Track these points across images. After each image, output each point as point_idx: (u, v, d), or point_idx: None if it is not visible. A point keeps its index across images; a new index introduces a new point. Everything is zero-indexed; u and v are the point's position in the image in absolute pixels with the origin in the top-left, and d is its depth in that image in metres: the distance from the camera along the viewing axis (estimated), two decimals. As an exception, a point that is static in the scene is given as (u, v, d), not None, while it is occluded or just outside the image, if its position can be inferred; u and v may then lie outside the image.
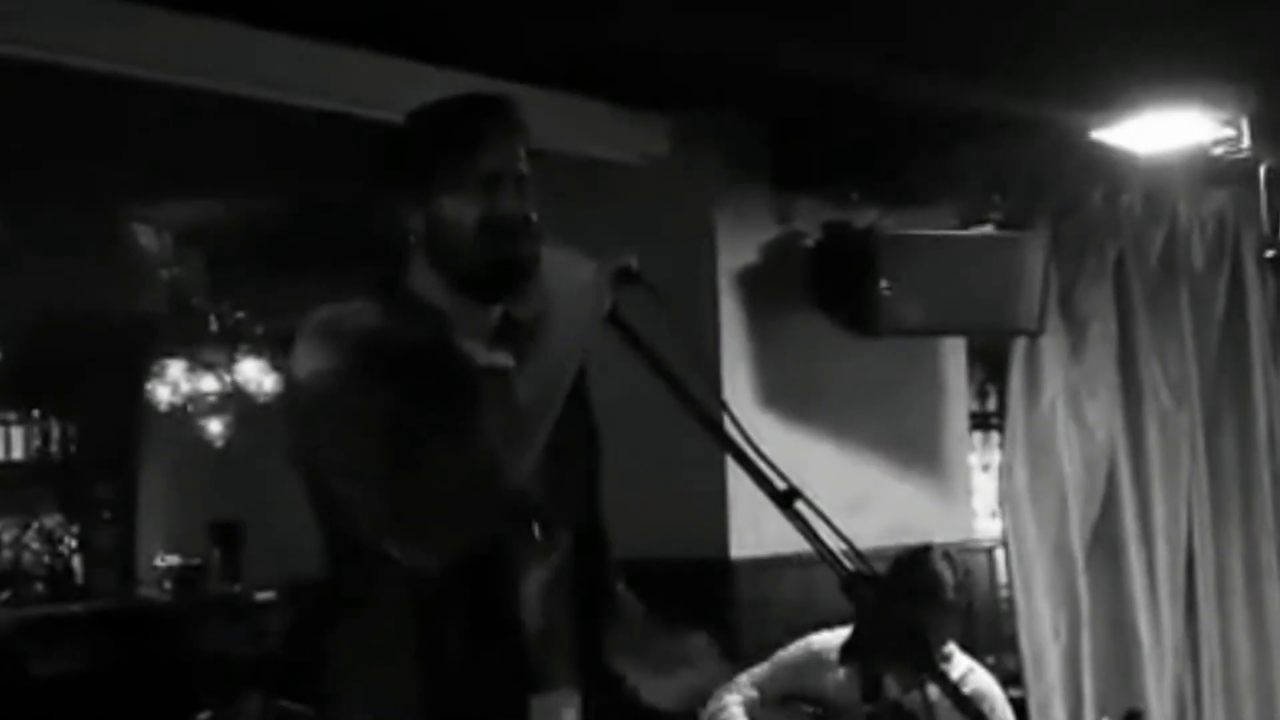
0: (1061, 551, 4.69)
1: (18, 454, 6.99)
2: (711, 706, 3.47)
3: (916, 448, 4.69)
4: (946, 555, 3.44)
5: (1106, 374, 4.77)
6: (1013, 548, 4.71)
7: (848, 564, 1.63)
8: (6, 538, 6.86)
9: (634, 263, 1.83)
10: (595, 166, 4.23)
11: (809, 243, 4.33)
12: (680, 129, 4.22)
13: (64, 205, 5.28)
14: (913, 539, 3.77)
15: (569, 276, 1.79)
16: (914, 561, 3.42)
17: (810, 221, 4.34)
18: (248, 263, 5.81)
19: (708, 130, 4.21)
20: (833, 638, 3.50)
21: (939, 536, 4.39)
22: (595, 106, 4.07)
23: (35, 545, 6.90)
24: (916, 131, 4.11)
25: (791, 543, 4.26)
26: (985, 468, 5.67)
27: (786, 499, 1.66)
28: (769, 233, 4.33)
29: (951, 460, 4.83)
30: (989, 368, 5.45)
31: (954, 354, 4.91)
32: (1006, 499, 4.74)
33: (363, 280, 1.97)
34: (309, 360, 1.81)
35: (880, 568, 3.40)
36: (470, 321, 1.90)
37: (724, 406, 1.74)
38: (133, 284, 5.86)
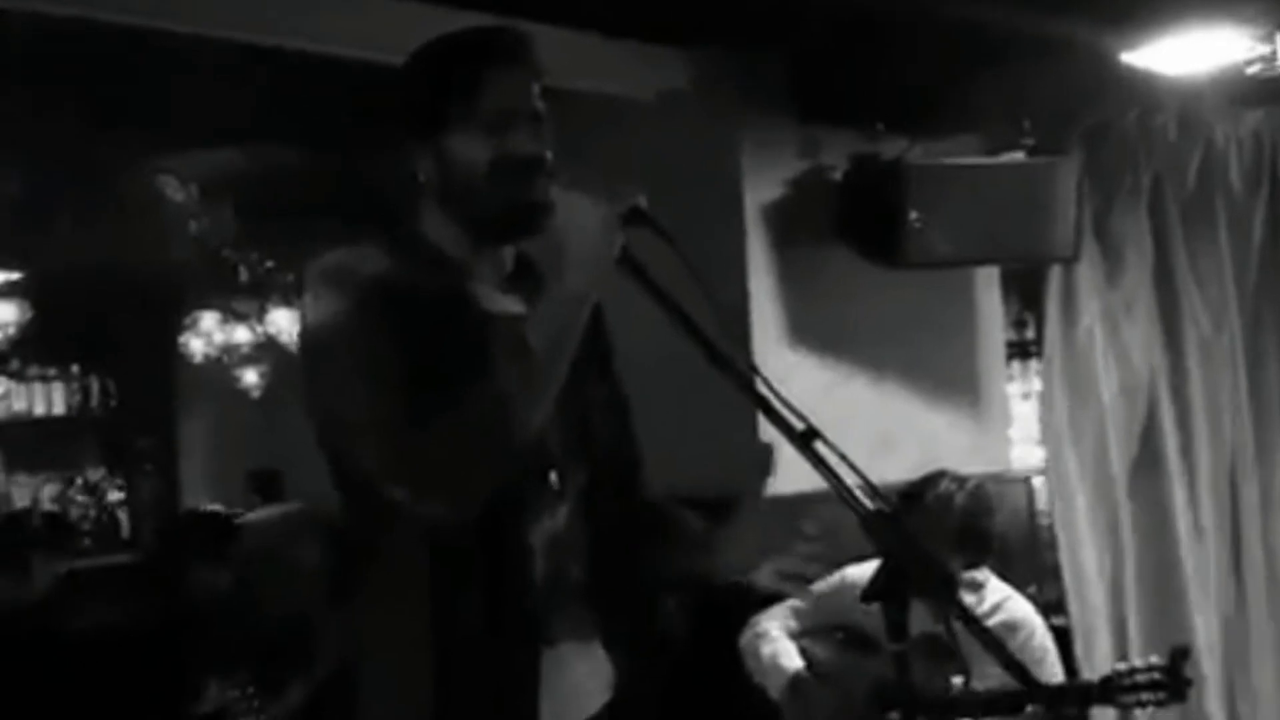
0: (1102, 481, 4.64)
1: (59, 409, 7.05)
2: (750, 633, 3.47)
3: (950, 380, 4.64)
4: (958, 480, 3.39)
5: (1144, 299, 4.69)
6: (1052, 477, 4.68)
7: (867, 503, 1.59)
8: (52, 491, 6.95)
9: (644, 202, 1.79)
10: (614, 104, 4.18)
11: (835, 176, 4.26)
12: (700, 63, 4.16)
13: (92, 160, 5.29)
14: (944, 473, 3.73)
15: (578, 218, 1.76)
16: (923, 489, 3.39)
17: (836, 154, 4.27)
18: (276, 212, 5.80)
19: (728, 64, 4.14)
20: (867, 569, 3.47)
21: (974, 468, 4.36)
22: (612, 43, 4.00)
23: (80, 498, 6.99)
24: (942, 58, 4.02)
25: (820, 480, 4.26)
26: (1026, 396, 5.60)
27: (805, 439, 1.62)
28: (794, 168, 4.26)
29: (987, 391, 4.77)
30: (1026, 295, 5.37)
31: (988, 283, 4.84)
32: (1045, 428, 4.71)
33: (387, 225, 1.96)
34: (315, 307, 1.79)
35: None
36: (482, 265, 1.88)
37: (740, 345, 1.71)
38: (162, 237, 5.87)
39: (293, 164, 5.40)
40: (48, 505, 6.07)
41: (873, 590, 1.58)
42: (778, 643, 3.43)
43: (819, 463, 1.59)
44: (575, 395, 1.89)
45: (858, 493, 1.60)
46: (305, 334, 1.85)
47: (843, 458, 1.61)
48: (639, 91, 4.18)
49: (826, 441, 1.61)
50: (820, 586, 3.52)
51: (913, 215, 4.02)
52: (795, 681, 3.34)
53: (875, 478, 3.80)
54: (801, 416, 1.63)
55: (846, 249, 4.20)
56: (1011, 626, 3.39)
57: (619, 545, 1.93)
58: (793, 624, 3.50)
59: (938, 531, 3.32)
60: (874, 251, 4.19)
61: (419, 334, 1.73)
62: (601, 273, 1.76)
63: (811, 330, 4.26)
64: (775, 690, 3.36)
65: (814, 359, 4.26)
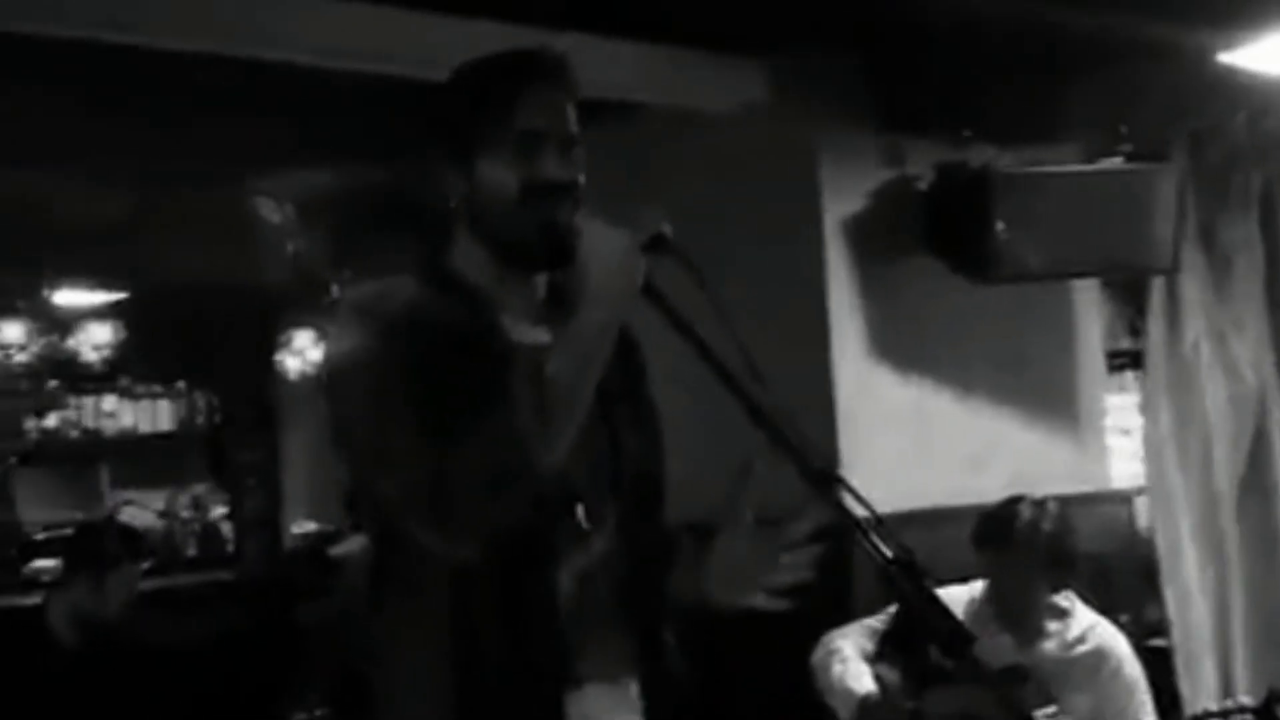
0: (1207, 499, 4.45)
1: (165, 425, 7.20)
2: (822, 650, 3.39)
3: (1044, 396, 4.48)
4: (1038, 504, 3.26)
5: (1254, 310, 4.49)
6: (1155, 495, 4.50)
7: (886, 549, 1.50)
8: (159, 506, 7.09)
9: (668, 229, 1.72)
10: (692, 118, 4.12)
11: (920, 186, 4.13)
12: (778, 74, 4.06)
13: (193, 180, 5.39)
14: (1040, 491, 3.59)
15: (600, 246, 1.69)
16: (1000, 516, 3.26)
17: (921, 163, 4.14)
18: (368, 232, 5.85)
19: (808, 74, 4.04)
20: (949, 593, 3.38)
21: (1070, 487, 4.21)
22: (689, 55, 3.94)
23: (186, 513, 7.12)
24: (1034, 61, 3.88)
25: (908, 499, 4.16)
26: (1127, 411, 5.40)
27: (823, 479, 1.54)
28: (876, 178, 4.14)
29: (1085, 406, 4.60)
30: (1130, 305, 5.18)
31: (1086, 294, 4.66)
32: (1148, 444, 4.53)
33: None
34: (340, 340, 1.77)
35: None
36: (512, 295, 1.83)
37: (759, 379, 1.63)
38: (260, 257, 5.95)
39: (385, 184, 5.44)
40: (129, 518, 6.14)
41: (888, 641, 1.52)
42: (849, 663, 3.33)
43: (836, 504, 1.49)
44: (605, 427, 1.83)
45: (876, 538, 1.49)
46: (329, 367, 1.81)
47: (860, 499, 1.51)
48: (717, 103, 4.10)
49: (844, 482, 1.51)
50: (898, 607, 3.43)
51: (999, 225, 3.88)
52: (864, 705, 3.24)
53: (965, 498, 3.70)
54: (819, 454, 1.53)
55: (932, 262, 4.08)
56: (1099, 655, 3.26)
57: (652, 581, 1.85)
58: (867, 645, 3.40)
59: (1021, 560, 3.20)
60: (961, 264, 4.06)
61: (442, 367, 1.69)
62: (624, 303, 1.70)
63: (895, 346, 4.14)
64: (844, 712, 3.26)
65: (897, 376, 4.14)
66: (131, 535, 3.96)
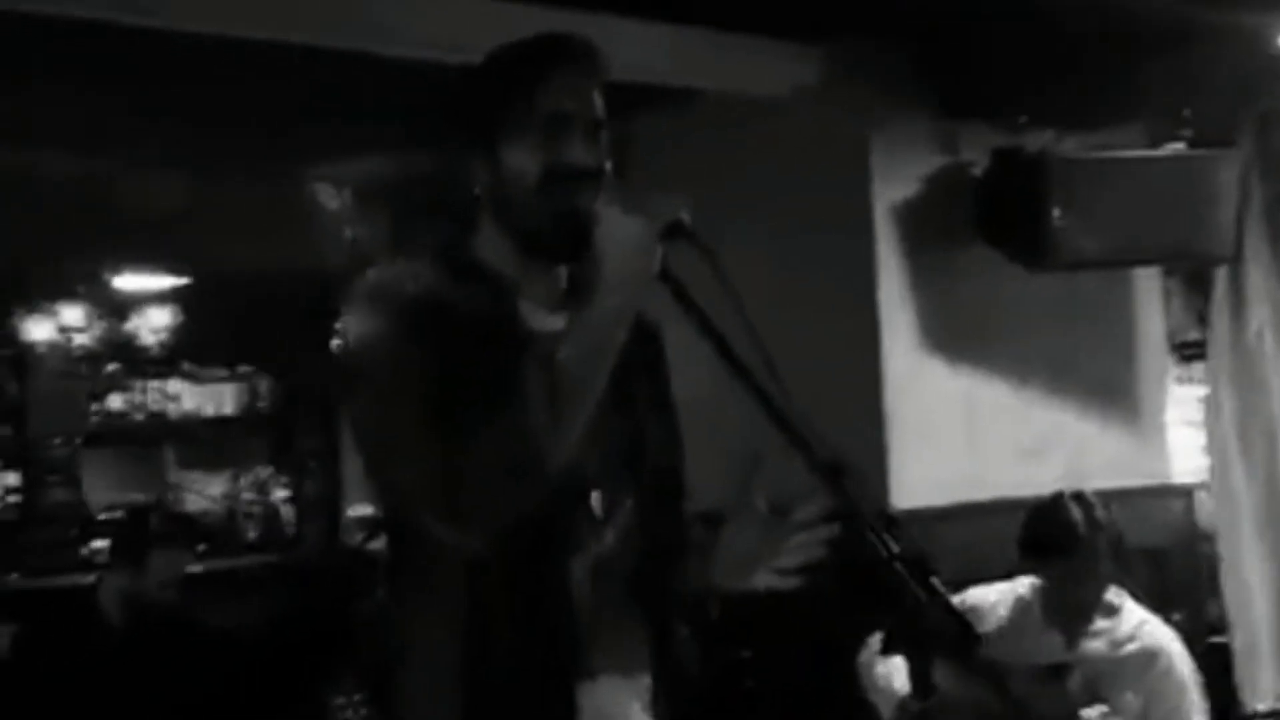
0: (1272, 493, 4.33)
1: (229, 409, 7.28)
2: (867, 650, 3.34)
3: (1102, 386, 4.39)
4: (1080, 499, 3.18)
5: (1321, 299, 4.36)
6: (1217, 489, 4.39)
7: (892, 544, 1.46)
8: (222, 489, 7.19)
9: (686, 215, 1.68)
10: (742, 102, 4.08)
11: (975, 172, 4.06)
12: (831, 58, 4.01)
13: (254, 167, 5.43)
14: (1096, 484, 3.51)
15: (616, 233, 1.66)
16: (1044, 513, 3.19)
17: (976, 149, 4.06)
18: (426, 218, 5.85)
19: (860, 58, 3.98)
20: (990, 591, 3.33)
21: (1127, 480, 4.13)
22: (739, 40, 3.90)
23: (249, 495, 7.20)
24: (1093, 44, 3.80)
25: (960, 492, 4.08)
26: (1189, 403, 5.27)
27: (833, 472, 1.50)
28: (930, 164, 4.07)
29: (1144, 397, 4.50)
30: (1193, 293, 5.05)
31: (1148, 282, 4.56)
32: (1211, 437, 4.42)
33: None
34: (354, 326, 1.74)
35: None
36: (534, 283, 1.80)
37: (773, 370, 1.59)
38: (319, 243, 5.98)
39: (443, 171, 5.43)
40: (190, 501, 6.24)
41: (892, 642, 1.49)
42: (893, 661, 3.28)
43: (845, 498, 1.45)
44: (622, 416, 1.80)
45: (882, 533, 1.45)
46: (343, 353, 1.79)
47: (868, 494, 1.47)
48: (767, 89, 4.05)
49: (853, 476, 1.47)
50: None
51: (1055, 212, 3.80)
52: (904, 705, 3.18)
53: (1020, 490, 3.63)
54: (829, 447, 1.49)
55: (986, 250, 4.00)
56: (1150, 654, 3.18)
57: (665, 572, 1.82)
58: None
59: (1084, 568, 3.15)
60: (1016, 252, 3.99)
61: (457, 354, 1.67)
62: (639, 290, 1.66)
63: (946, 336, 4.07)
64: (886, 711, 3.21)
65: (949, 366, 4.08)
66: (179, 518, 3.99)
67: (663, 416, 1.91)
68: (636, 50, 3.68)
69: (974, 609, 3.29)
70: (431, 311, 1.70)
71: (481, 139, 1.77)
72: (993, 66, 3.97)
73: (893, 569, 1.43)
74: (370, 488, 1.80)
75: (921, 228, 4.05)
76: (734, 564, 1.75)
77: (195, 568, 5.95)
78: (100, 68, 3.99)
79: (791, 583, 1.68)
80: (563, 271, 1.82)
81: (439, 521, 1.63)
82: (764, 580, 1.72)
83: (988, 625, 3.27)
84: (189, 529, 4.11)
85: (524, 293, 1.78)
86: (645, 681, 1.80)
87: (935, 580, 1.43)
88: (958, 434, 4.05)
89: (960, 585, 3.40)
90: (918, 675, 2.52)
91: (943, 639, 1.40)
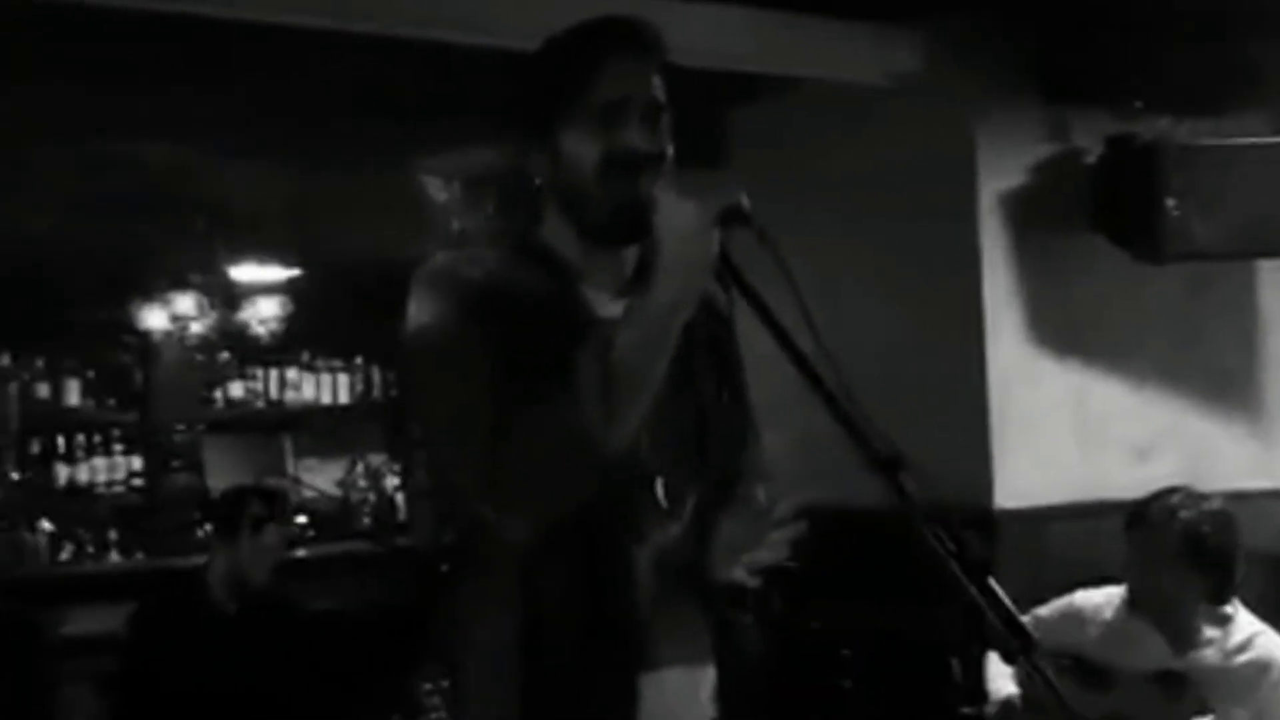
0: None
1: (344, 398, 7.39)
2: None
3: (1222, 383, 4.21)
4: (1193, 498, 3.03)
5: None
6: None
7: (949, 543, 1.39)
8: (337, 476, 7.30)
9: (745, 200, 1.63)
10: (841, 90, 4.00)
11: (1088, 160, 3.93)
12: (934, 43, 3.90)
13: (363, 160, 5.50)
14: (1214, 485, 3.37)
15: (672, 219, 1.62)
16: (1143, 500, 3.06)
17: (1088, 136, 3.93)
18: (533, 208, 5.86)
19: (965, 41, 3.86)
20: (1095, 594, 3.22)
21: (1248, 482, 3.96)
22: (841, 25, 3.82)
23: (362, 483, 7.30)
24: (1212, 24, 3.65)
25: (1068, 491, 3.95)
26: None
27: (890, 466, 1.44)
28: (1039, 151, 3.95)
29: (1267, 394, 4.30)
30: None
31: (1273, 273, 4.36)
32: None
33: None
34: (416, 311, 1.73)
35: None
36: (599, 270, 1.76)
37: (832, 361, 1.53)
38: (426, 234, 6.03)
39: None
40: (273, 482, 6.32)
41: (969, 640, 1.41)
42: (992, 664, 3.18)
43: (902, 494, 1.39)
44: (690, 407, 1.77)
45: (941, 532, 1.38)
46: (405, 338, 1.78)
47: (926, 490, 1.41)
48: (868, 75, 3.96)
49: (911, 471, 1.41)
50: (1043, 610, 3.27)
51: (1170, 202, 3.65)
52: (1007, 708, 3.09)
53: (1132, 490, 3.51)
54: (887, 441, 1.44)
55: (1099, 240, 3.88)
56: (1262, 666, 3.03)
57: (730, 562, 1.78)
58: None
59: (1152, 546, 3.01)
60: (1130, 242, 3.86)
61: (514, 340, 1.65)
62: (696, 278, 1.62)
63: (1056, 329, 3.94)
64: (990, 712, 3.12)
65: (1060, 361, 3.95)
66: (273, 500, 4.05)
67: (734, 404, 1.87)
68: (730, 38, 3.66)
69: (1079, 609, 3.20)
70: (491, 296, 1.68)
71: (540, 126, 1.74)
72: (1106, 48, 3.84)
73: (949, 570, 1.36)
74: (429, 472, 1.79)
75: (1030, 218, 3.93)
76: (722, 554, 1.72)
77: (302, 552, 6.12)
78: (217, 60, 4.06)
79: (757, 580, 1.66)
80: (629, 257, 1.78)
81: (487, 507, 1.62)
82: (738, 575, 1.69)
83: (1092, 629, 3.17)
84: (284, 511, 4.15)
85: (587, 279, 1.76)
86: (709, 672, 1.77)
87: (992, 582, 1.36)
88: (1067, 432, 3.93)
89: (1068, 588, 3.32)
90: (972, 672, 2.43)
91: (996, 643, 1.33)
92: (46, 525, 6.44)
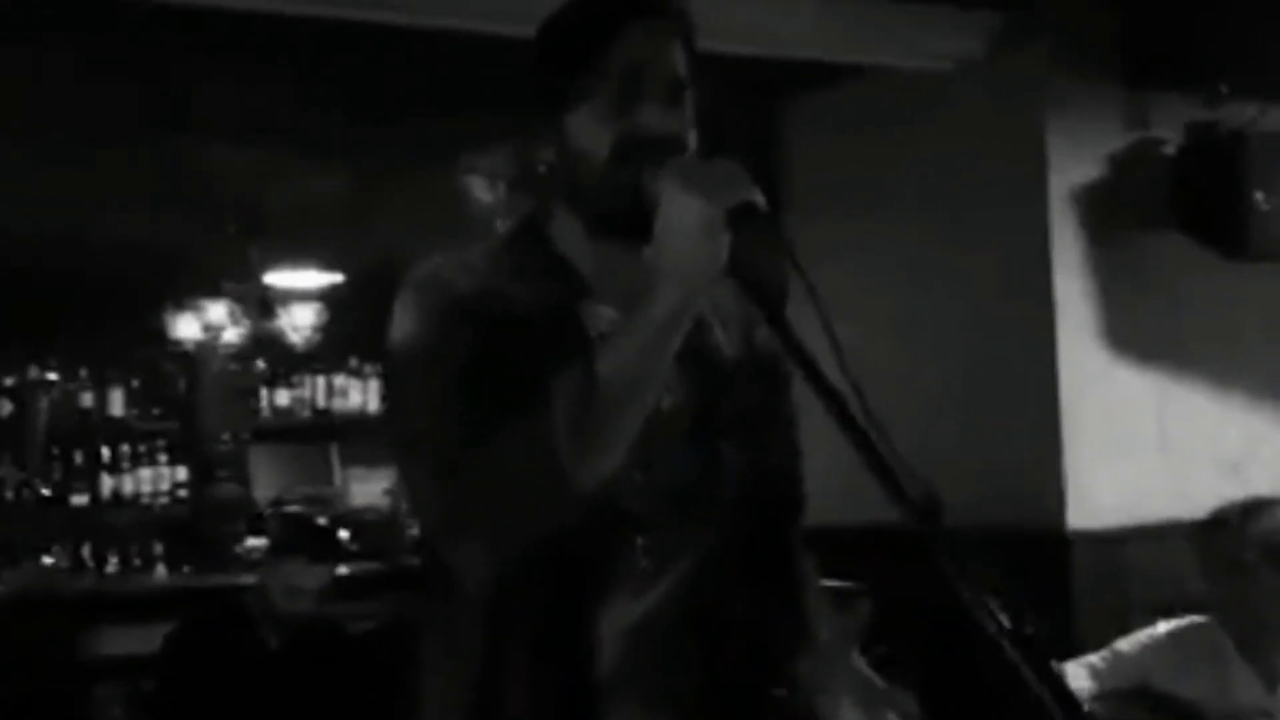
0: None
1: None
2: None
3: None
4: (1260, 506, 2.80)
5: None
6: None
7: (1001, 616, 1.13)
8: (385, 485, 7.13)
9: (759, 196, 1.37)
10: (903, 78, 3.81)
11: (1167, 150, 3.69)
12: (1003, 27, 3.70)
13: (406, 161, 5.37)
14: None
15: (676, 215, 1.36)
16: (1234, 519, 2.82)
17: (1170, 125, 3.70)
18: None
19: (1036, 25, 3.65)
20: (1181, 624, 2.96)
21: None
22: (900, 9, 3.62)
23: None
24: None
25: (1145, 509, 3.67)
26: None
27: (927, 512, 1.18)
28: (1115, 141, 3.72)
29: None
30: None
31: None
32: None
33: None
34: (394, 323, 1.52)
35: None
36: (608, 274, 1.52)
37: (853, 381, 1.27)
38: (469, 234, 5.88)
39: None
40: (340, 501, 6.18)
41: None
42: None
43: (941, 543, 1.14)
44: (702, 439, 1.52)
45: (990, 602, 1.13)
46: (386, 347, 1.56)
47: (951, 540, 1.16)
48: (932, 62, 3.77)
49: (945, 519, 1.16)
50: (1125, 642, 3.01)
51: (1258, 195, 3.42)
52: None
53: (1218, 505, 3.21)
54: (920, 478, 1.18)
55: (1180, 237, 3.65)
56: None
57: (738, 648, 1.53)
58: (1085, 683, 2.98)
59: (1229, 554, 2.79)
60: (1214, 239, 3.63)
61: (498, 362, 1.41)
62: (699, 287, 1.37)
63: (1136, 335, 3.71)
64: None
65: (1139, 369, 3.72)
66: (322, 538, 3.96)
67: (765, 440, 1.60)
68: (789, 24, 3.50)
69: (1162, 645, 2.95)
70: (474, 311, 1.46)
71: (547, 102, 1.51)
72: (1189, 28, 3.62)
73: (1000, 648, 1.10)
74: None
75: (1105, 213, 3.70)
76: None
77: (344, 569, 5.97)
78: (256, 60, 3.97)
79: None
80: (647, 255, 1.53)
81: (440, 539, 1.42)
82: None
83: (1178, 665, 2.92)
84: (328, 539, 4.05)
85: (594, 284, 1.52)
86: None
87: (1049, 659, 1.10)
88: (1146, 444, 3.70)
89: (1151, 618, 3.07)
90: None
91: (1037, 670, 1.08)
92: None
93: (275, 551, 3.91)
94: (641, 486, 1.44)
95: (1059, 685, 1.09)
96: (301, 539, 3.85)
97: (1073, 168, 3.67)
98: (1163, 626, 2.99)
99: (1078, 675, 3.03)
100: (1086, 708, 2.87)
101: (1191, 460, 3.72)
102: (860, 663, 1.54)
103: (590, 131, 1.47)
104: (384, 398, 1.59)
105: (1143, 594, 3.43)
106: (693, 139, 1.49)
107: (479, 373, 1.41)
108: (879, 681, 1.51)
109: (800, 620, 1.61)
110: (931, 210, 3.84)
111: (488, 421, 1.36)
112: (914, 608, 2.53)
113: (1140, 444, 3.69)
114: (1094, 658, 3.05)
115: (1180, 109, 3.69)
